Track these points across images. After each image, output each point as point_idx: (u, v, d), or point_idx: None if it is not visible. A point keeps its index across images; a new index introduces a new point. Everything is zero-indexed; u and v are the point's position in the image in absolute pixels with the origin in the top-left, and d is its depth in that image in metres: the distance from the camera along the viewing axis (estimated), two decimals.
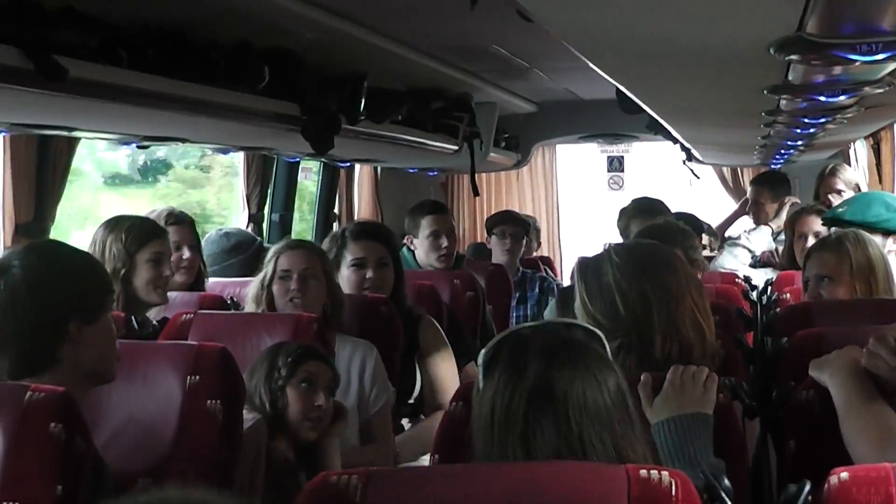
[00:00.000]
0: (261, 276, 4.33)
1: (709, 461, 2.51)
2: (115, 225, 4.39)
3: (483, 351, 2.25)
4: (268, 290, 4.27)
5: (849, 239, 4.26)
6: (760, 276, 6.31)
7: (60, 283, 2.83)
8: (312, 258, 4.30)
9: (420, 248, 6.16)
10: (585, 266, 2.97)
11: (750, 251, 6.76)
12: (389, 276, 4.75)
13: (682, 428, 2.55)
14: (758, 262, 6.74)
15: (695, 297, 2.90)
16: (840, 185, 6.53)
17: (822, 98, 3.49)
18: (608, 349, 2.29)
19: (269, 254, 4.36)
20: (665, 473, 1.98)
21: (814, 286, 4.29)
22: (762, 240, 6.89)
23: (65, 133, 4.17)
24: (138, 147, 4.80)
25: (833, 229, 4.84)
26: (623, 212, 6.15)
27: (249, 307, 4.33)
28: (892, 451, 2.47)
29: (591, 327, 2.33)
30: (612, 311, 2.85)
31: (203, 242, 5.22)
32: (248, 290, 4.38)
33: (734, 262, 6.77)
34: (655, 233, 4.59)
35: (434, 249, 6.16)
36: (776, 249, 6.68)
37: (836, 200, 6.29)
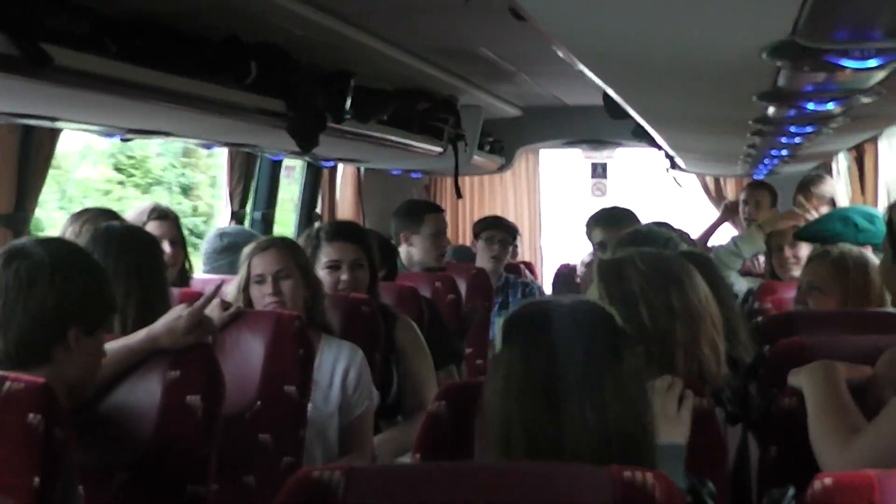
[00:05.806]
0: (237, 279, 4.22)
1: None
2: (79, 217, 4.37)
3: (505, 318, 2.28)
4: (245, 293, 4.18)
5: (851, 256, 4.21)
6: (742, 285, 6.26)
7: (80, 283, 2.78)
8: (286, 257, 4.18)
9: (419, 246, 6.13)
10: (607, 268, 2.92)
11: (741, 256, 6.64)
12: (364, 278, 4.67)
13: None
14: (739, 271, 6.67)
15: (713, 315, 2.87)
16: (813, 198, 6.54)
17: (811, 106, 3.51)
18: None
19: (242, 257, 4.25)
20: (649, 475, 1.97)
21: (804, 293, 4.28)
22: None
23: (47, 123, 4.13)
24: (122, 140, 4.74)
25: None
26: (590, 220, 5.97)
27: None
28: (851, 453, 2.48)
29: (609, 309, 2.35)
30: (635, 319, 2.76)
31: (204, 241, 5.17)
32: (228, 290, 4.27)
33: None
34: (638, 239, 4.54)
35: (436, 248, 6.14)
36: (757, 258, 6.62)
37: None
